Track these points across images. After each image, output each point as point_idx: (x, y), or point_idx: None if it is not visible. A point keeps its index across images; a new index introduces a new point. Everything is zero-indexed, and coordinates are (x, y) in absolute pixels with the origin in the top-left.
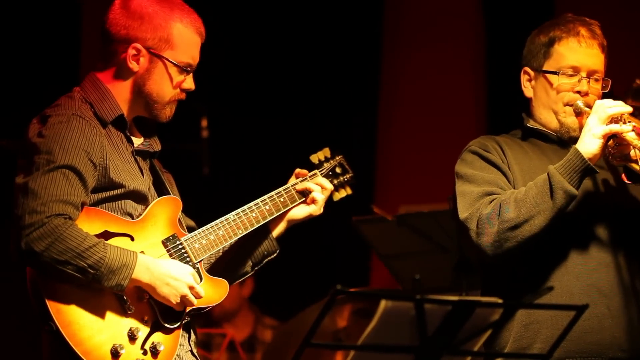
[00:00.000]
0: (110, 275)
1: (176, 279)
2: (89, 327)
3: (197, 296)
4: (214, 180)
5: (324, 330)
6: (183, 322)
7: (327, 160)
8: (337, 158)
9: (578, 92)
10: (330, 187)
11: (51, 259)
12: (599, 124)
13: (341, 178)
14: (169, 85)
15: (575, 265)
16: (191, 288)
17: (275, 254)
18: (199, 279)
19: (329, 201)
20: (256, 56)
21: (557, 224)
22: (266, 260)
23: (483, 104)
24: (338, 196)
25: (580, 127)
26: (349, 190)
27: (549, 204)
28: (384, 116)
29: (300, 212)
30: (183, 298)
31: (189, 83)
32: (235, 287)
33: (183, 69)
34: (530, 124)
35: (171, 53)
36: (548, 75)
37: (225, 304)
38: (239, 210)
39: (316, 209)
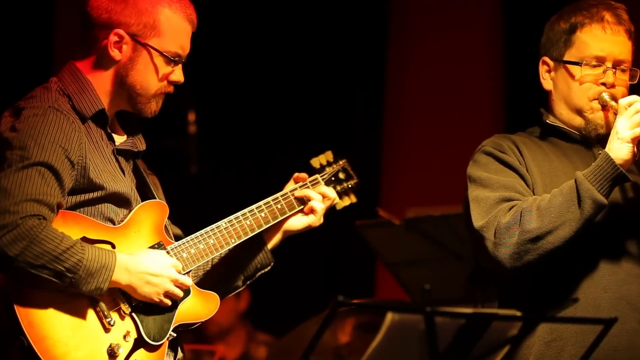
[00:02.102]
0: (89, 279)
1: (157, 274)
2: (64, 343)
3: (183, 286)
4: (203, 181)
5: (324, 346)
6: (169, 338)
7: (329, 164)
8: (341, 162)
9: (603, 84)
10: (333, 196)
11: (26, 263)
12: (626, 126)
13: (345, 184)
14: (154, 77)
15: (602, 276)
16: (174, 281)
17: (269, 267)
18: (180, 267)
19: (331, 209)
20: (250, 43)
21: (582, 234)
22: (259, 273)
23: (500, 97)
24: (341, 204)
25: (607, 123)
26: (353, 198)
27: (576, 214)
28: (390, 110)
29: (297, 222)
30: (167, 293)
31: (178, 75)
32: (231, 300)
33: (171, 59)
34: (550, 120)
35: (157, 41)
36: (569, 66)
37: (220, 320)
38: (231, 217)
39: (315, 220)
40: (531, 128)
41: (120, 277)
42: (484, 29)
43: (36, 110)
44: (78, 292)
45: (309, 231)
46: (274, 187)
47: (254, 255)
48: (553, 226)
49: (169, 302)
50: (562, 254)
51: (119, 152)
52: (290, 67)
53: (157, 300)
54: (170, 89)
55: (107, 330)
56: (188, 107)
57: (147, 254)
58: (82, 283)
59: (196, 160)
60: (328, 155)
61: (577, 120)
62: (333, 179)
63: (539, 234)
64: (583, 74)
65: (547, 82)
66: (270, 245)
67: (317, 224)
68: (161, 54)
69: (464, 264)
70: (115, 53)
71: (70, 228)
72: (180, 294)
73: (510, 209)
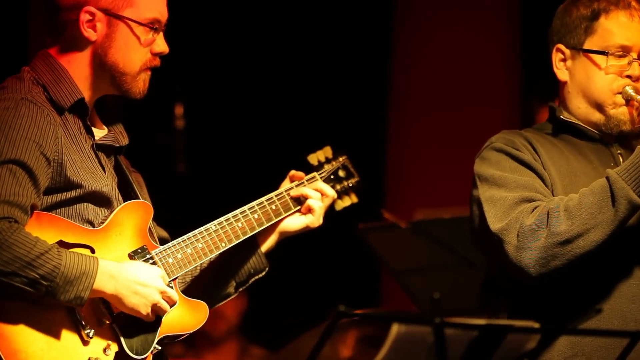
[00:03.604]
0: (68, 287)
1: (145, 285)
2: (38, 357)
3: (170, 301)
4: (191, 181)
5: None
6: (153, 352)
7: (328, 161)
8: (341, 159)
9: (628, 76)
10: (332, 193)
11: None
12: None
13: (345, 183)
14: (136, 51)
15: (630, 286)
16: (162, 293)
17: (263, 273)
18: (167, 279)
19: (330, 210)
20: (245, 30)
21: (614, 238)
22: (253, 279)
23: (516, 92)
24: (341, 205)
25: (631, 119)
26: (354, 198)
27: (609, 216)
28: (396, 105)
29: (294, 223)
30: (154, 306)
31: (161, 45)
32: (223, 309)
33: (151, 27)
34: (565, 116)
35: (132, 11)
36: (592, 56)
37: (210, 331)
38: (221, 219)
39: (314, 220)
40: (539, 124)
41: (105, 285)
42: (498, 18)
43: (7, 102)
44: (56, 303)
45: (307, 234)
46: (269, 186)
47: (247, 259)
48: (584, 228)
49: (153, 317)
50: (588, 260)
51: (99, 148)
52: (288, 57)
53: (144, 313)
54: (156, 61)
55: (85, 342)
56: (175, 100)
57: (133, 263)
58: (59, 292)
59: (184, 158)
60: (327, 151)
61: (596, 116)
62: (332, 177)
63: (569, 237)
64: (608, 64)
65: (562, 72)
66: (264, 248)
67: (316, 224)
68: (140, 23)
69: (477, 271)
70: (89, 33)
71: (45, 231)
72: (168, 308)
73: (533, 210)
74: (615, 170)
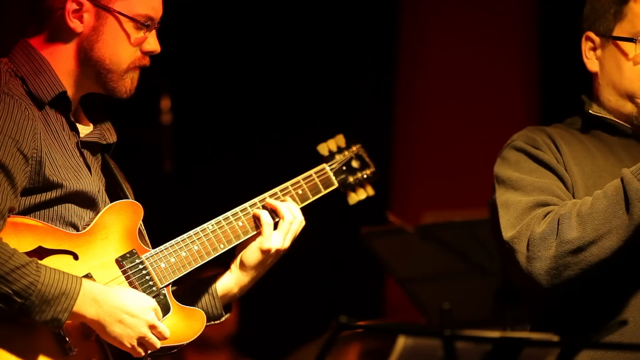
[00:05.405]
0: (44, 307)
1: (133, 314)
2: None
3: (161, 337)
4: (178, 180)
5: None
6: None
7: (340, 151)
8: (354, 148)
9: None
10: (294, 219)
11: None
12: None
13: (359, 174)
14: (125, 46)
15: None
16: (152, 327)
17: (217, 321)
18: (161, 315)
19: (339, 207)
20: (239, 18)
21: (632, 243)
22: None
23: (534, 84)
24: (355, 198)
25: None
26: (370, 191)
27: (624, 220)
28: (403, 100)
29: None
30: (141, 340)
31: (153, 44)
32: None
33: (142, 24)
34: (594, 110)
35: (123, 4)
36: (621, 43)
37: (200, 340)
38: (220, 217)
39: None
40: (571, 119)
41: (86, 309)
42: (514, 7)
43: None
44: (30, 322)
45: (308, 242)
46: (265, 186)
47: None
48: (597, 235)
49: (141, 352)
50: (607, 267)
51: (84, 145)
52: (286, 47)
53: (128, 346)
54: (146, 61)
55: (67, 356)
56: (161, 92)
57: (123, 289)
58: (35, 311)
59: (171, 155)
60: (339, 140)
61: (628, 108)
62: (344, 168)
63: (581, 245)
64: (637, 52)
65: (591, 63)
66: (222, 291)
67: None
68: (131, 18)
69: (490, 279)
70: (75, 24)
71: (23, 236)
72: (158, 344)
73: (545, 216)
74: (631, 169)
